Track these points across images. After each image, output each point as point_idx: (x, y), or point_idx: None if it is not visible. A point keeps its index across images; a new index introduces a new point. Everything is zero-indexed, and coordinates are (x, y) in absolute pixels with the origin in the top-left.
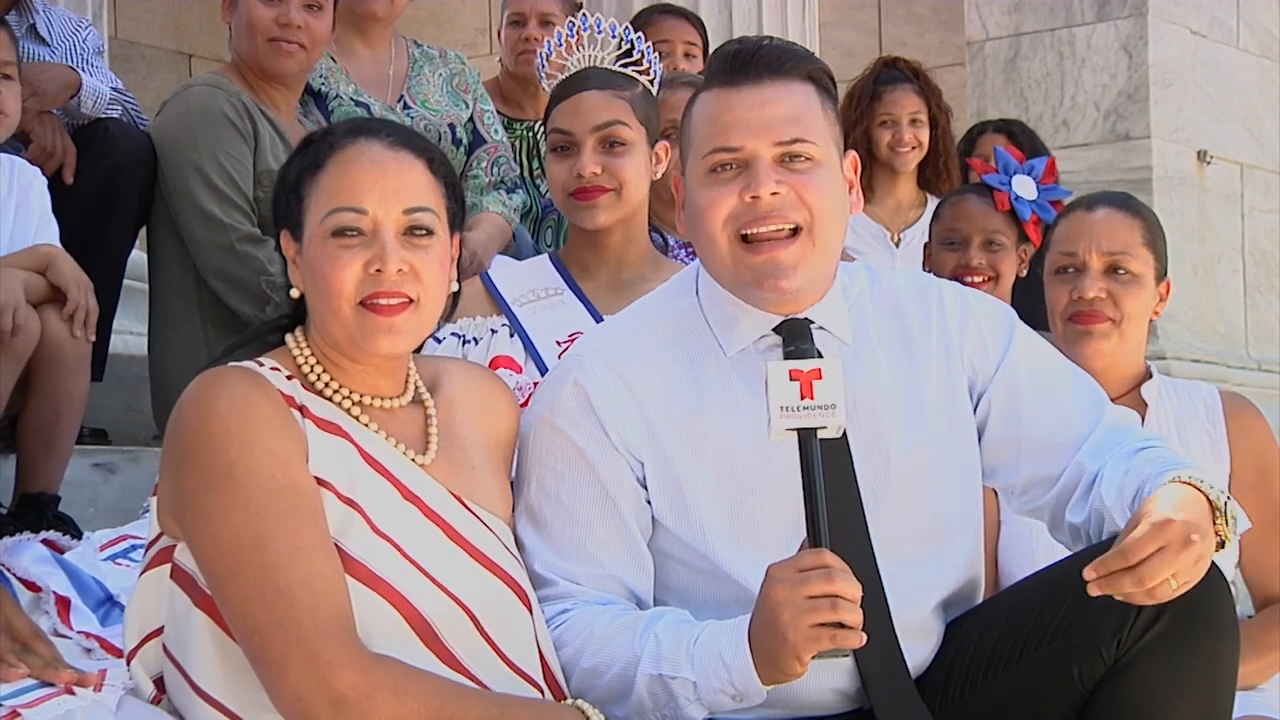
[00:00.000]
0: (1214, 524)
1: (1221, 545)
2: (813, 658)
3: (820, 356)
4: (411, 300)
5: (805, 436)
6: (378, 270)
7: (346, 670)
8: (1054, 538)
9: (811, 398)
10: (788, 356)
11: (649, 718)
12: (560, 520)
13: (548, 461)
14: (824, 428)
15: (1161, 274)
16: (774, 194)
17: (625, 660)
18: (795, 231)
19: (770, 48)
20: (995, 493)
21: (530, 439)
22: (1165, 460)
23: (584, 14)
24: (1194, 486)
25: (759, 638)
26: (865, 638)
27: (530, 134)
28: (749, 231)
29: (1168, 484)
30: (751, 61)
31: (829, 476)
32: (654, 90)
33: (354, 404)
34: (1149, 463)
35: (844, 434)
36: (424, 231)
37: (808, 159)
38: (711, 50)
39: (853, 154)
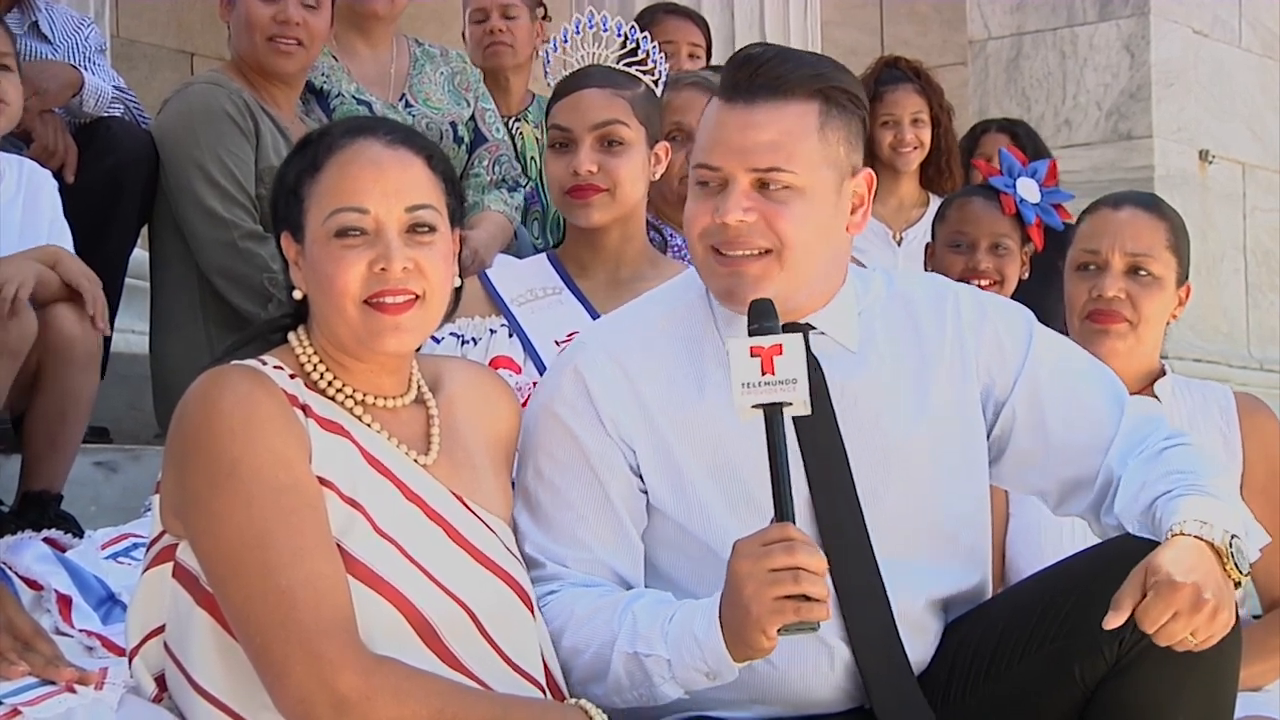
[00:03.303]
0: (1224, 568)
1: (1237, 585)
2: (780, 632)
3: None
4: (418, 296)
5: (770, 413)
6: (383, 269)
7: (348, 671)
8: (1100, 538)
9: (773, 373)
10: (752, 335)
11: (626, 696)
12: (552, 505)
13: (544, 447)
14: (789, 404)
15: (1183, 278)
16: (741, 221)
17: (603, 639)
18: (766, 251)
19: (776, 63)
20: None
21: (531, 425)
22: (1178, 473)
23: (589, 11)
24: (1197, 538)
25: (727, 614)
26: (830, 611)
27: (505, 130)
28: (720, 250)
29: (1171, 538)
30: (751, 80)
31: (822, 473)
32: (658, 90)
33: (356, 403)
34: (1160, 479)
35: (838, 431)
36: (427, 229)
37: (785, 187)
38: (716, 52)
39: (867, 172)
